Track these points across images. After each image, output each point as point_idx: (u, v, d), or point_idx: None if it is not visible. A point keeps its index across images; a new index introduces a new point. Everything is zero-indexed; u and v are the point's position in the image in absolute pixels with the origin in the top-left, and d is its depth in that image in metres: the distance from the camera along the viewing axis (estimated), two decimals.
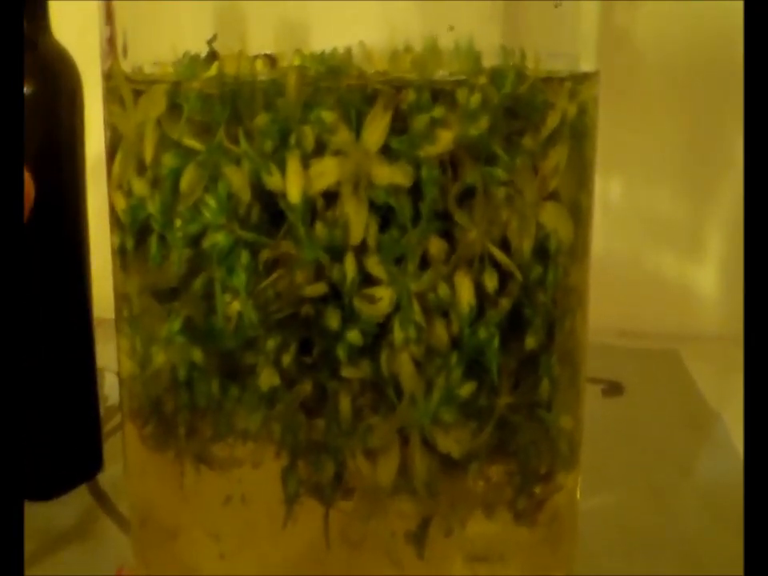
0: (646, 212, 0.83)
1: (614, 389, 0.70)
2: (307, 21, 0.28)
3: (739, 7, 0.77)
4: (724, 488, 0.55)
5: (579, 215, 0.30)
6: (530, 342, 0.29)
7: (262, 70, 0.29)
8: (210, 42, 0.29)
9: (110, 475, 0.52)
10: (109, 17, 0.30)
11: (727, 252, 0.83)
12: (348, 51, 0.29)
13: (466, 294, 0.27)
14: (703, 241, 0.83)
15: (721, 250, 0.83)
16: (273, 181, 0.27)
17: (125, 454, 0.32)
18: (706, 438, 0.62)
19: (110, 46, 0.31)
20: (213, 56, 0.29)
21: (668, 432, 0.63)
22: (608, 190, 0.83)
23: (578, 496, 0.32)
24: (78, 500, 0.50)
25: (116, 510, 0.48)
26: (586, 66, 0.31)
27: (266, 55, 0.29)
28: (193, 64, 0.29)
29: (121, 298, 0.31)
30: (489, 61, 0.28)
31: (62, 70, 0.50)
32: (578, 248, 0.30)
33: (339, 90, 0.27)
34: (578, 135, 0.30)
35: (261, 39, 0.29)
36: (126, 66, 0.30)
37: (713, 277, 0.83)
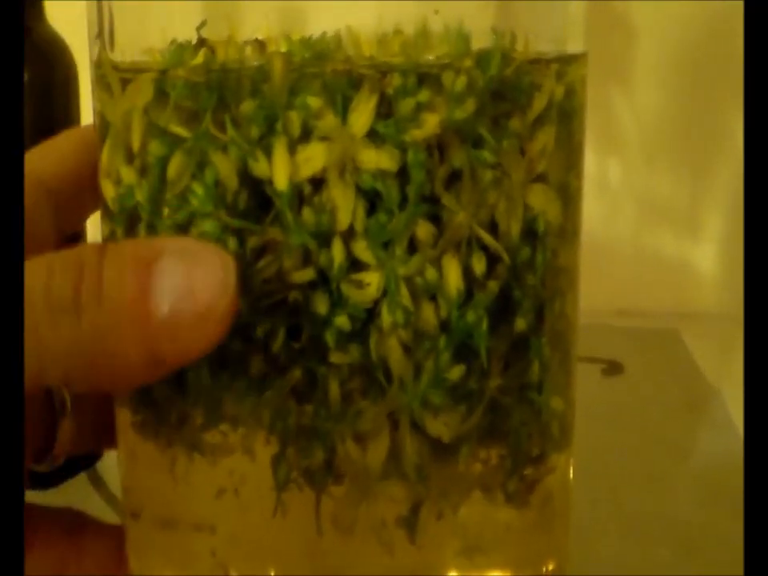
0: (643, 192, 0.83)
1: (614, 368, 0.70)
2: (303, 3, 0.28)
3: None
4: (723, 468, 0.55)
5: (568, 196, 0.30)
6: (520, 324, 0.29)
7: (249, 56, 0.29)
8: (198, 29, 0.29)
9: (108, 464, 0.52)
10: (98, 4, 0.30)
11: (725, 230, 0.83)
12: (336, 36, 0.29)
13: (453, 277, 0.27)
14: (701, 219, 0.83)
15: (719, 229, 0.83)
16: (259, 167, 0.27)
17: (118, 443, 0.32)
18: (706, 417, 0.62)
19: (99, 33, 0.31)
20: (201, 43, 0.29)
21: (668, 411, 0.63)
22: (605, 171, 0.83)
23: (571, 478, 0.32)
24: (76, 488, 0.50)
25: (115, 498, 0.48)
26: (574, 47, 0.31)
27: (256, 40, 0.29)
28: (180, 51, 0.29)
29: None
30: (480, 43, 0.28)
31: (57, 56, 0.50)
32: (568, 229, 0.30)
33: (325, 75, 0.27)
34: (566, 116, 0.30)
35: (255, 24, 0.29)
36: (115, 54, 0.30)
37: (711, 255, 0.84)
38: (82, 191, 0.33)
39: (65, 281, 0.25)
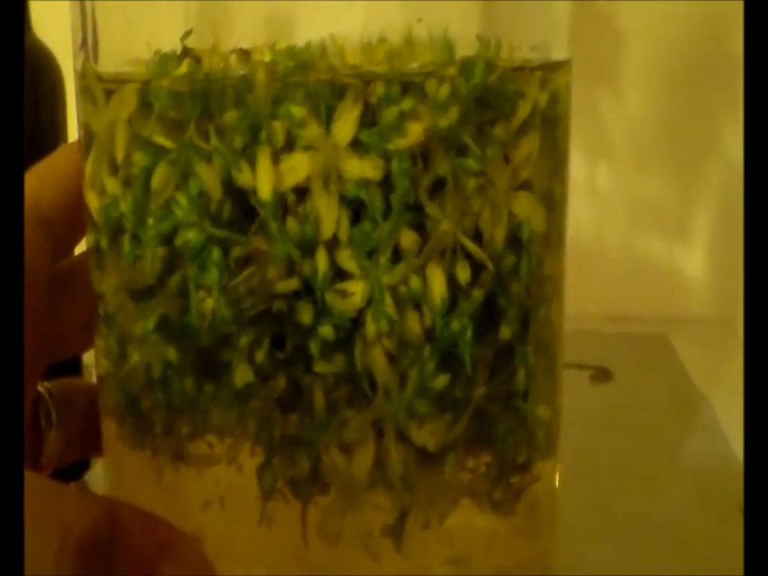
0: (633, 197, 0.83)
1: (602, 375, 0.70)
2: (292, 11, 0.28)
3: None
4: (713, 472, 0.55)
5: (552, 203, 0.30)
6: (505, 332, 0.29)
7: (234, 66, 0.29)
8: (182, 39, 0.29)
9: (98, 474, 0.52)
10: (82, 14, 0.30)
11: (715, 235, 0.83)
12: (321, 44, 0.29)
13: (437, 285, 0.27)
14: (691, 224, 0.83)
15: (708, 233, 0.83)
16: (243, 177, 0.27)
17: (104, 454, 0.32)
18: (695, 423, 0.62)
19: (83, 44, 0.31)
20: (186, 53, 0.29)
21: (657, 418, 0.63)
22: (595, 176, 0.83)
23: (557, 485, 0.32)
24: None
25: None
26: (558, 53, 0.31)
27: (240, 50, 0.29)
28: (164, 62, 0.29)
29: (97, 297, 0.31)
30: (465, 50, 0.28)
31: (43, 67, 0.50)
32: (552, 236, 0.30)
33: (308, 84, 0.27)
34: (550, 124, 0.30)
35: (243, 32, 0.29)
36: (99, 64, 0.30)
37: (701, 260, 0.84)
38: (77, 215, 0.33)
39: (78, 561, 0.26)
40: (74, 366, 0.50)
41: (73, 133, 0.48)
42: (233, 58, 0.29)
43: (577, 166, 0.83)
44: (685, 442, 0.59)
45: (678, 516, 0.51)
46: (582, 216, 0.83)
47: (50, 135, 0.49)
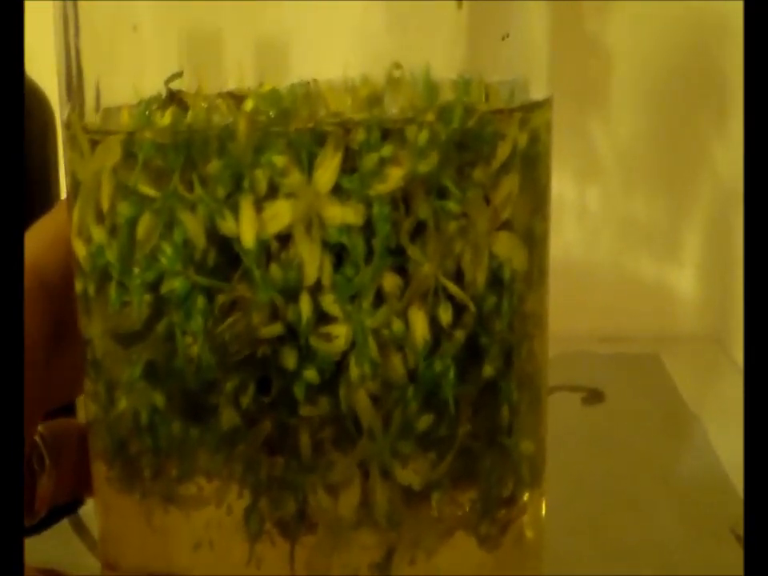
0: (622, 217, 0.84)
1: (594, 396, 0.70)
2: (285, 47, 0.29)
3: (713, 9, 0.78)
4: (705, 493, 0.56)
5: (533, 241, 0.31)
6: (488, 370, 0.29)
7: (220, 109, 0.29)
8: (167, 83, 0.29)
9: (91, 510, 0.52)
10: (66, 60, 0.31)
11: (705, 254, 0.83)
12: (305, 86, 0.29)
13: (420, 327, 0.28)
14: (680, 243, 0.84)
15: (698, 252, 0.83)
16: (227, 225, 0.27)
17: (95, 496, 0.33)
18: (687, 443, 0.62)
19: (68, 94, 0.31)
20: (172, 97, 0.29)
21: (649, 438, 0.63)
22: (584, 196, 0.84)
23: (543, 516, 0.33)
24: (59, 534, 0.50)
25: (97, 544, 0.48)
26: (538, 92, 0.32)
27: (228, 93, 0.29)
28: (148, 111, 0.29)
29: (85, 342, 0.31)
30: (449, 89, 0.29)
31: (34, 106, 0.50)
32: (534, 274, 0.31)
33: (289, 133, 0.27)
34: (531, 162, 0.30)
35: (233, 66, 0.29)
36: (87, 112, 0.30)
37: (691, 279, 0.84)
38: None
39: None
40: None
41: (63, 173, 0.48)
42: (219, 102, 0.29)
43: (566, 187, 0.83)
44: (677, 462, 0.60)
45: (669, 536, 0.51)
46: (572, 237, 0.84)
47: (40, 172, 0.50)
